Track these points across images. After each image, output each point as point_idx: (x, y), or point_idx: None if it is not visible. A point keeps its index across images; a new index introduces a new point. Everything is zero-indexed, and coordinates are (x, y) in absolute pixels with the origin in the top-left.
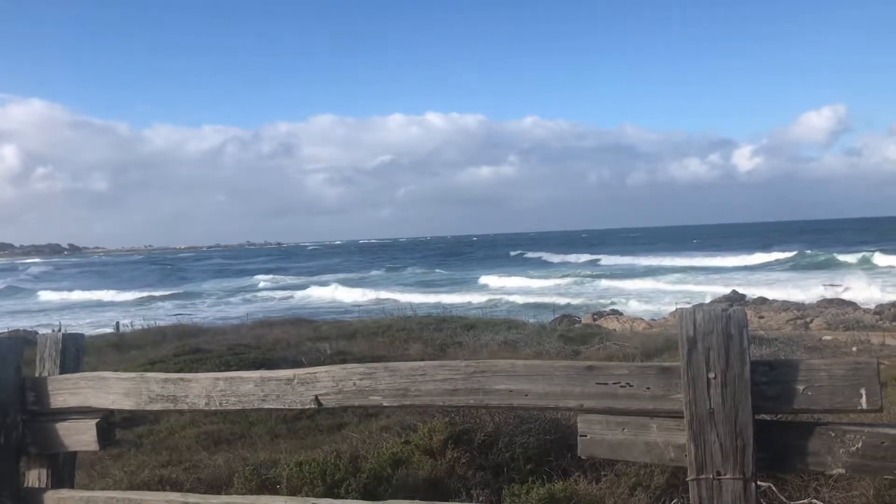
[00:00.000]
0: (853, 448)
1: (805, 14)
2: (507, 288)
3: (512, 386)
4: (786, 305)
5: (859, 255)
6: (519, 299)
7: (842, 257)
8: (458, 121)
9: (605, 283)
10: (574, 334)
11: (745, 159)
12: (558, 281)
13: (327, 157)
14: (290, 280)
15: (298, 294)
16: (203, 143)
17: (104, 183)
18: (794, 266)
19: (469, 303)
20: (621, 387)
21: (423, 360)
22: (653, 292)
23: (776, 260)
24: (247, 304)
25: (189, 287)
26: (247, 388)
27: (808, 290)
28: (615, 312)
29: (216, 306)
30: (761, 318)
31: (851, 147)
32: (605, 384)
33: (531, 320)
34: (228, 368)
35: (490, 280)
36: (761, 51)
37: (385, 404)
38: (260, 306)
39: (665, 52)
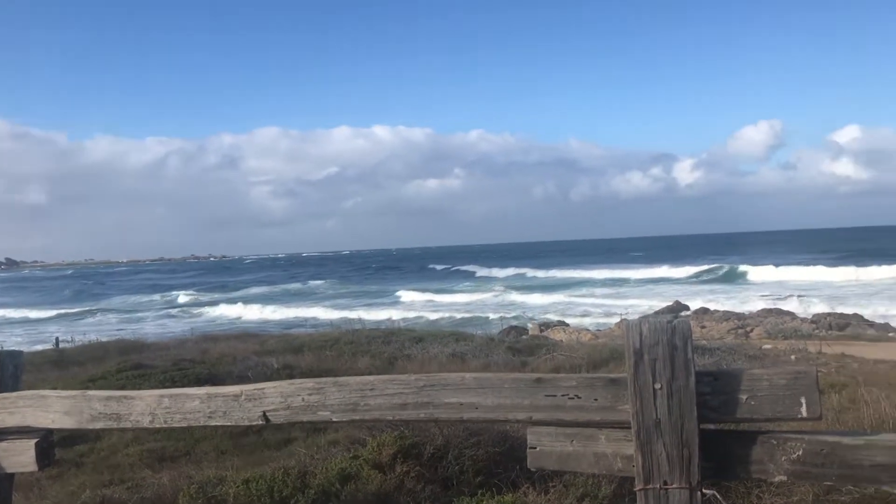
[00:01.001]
0: (794, 455)
1: (742, 30)
2: (418, 303)
3: (462, 399)
4: (727, 315)
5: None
6: (432, 315)
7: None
8: (404, 134)
9: (515, 295)
10: (521, 345)
11: (685, 173)
12: (481, 296)
13: (272, 170)
14: (207, 297)
15: (210, 311)
16: (146, 155)
17: (43, 195)
18: (715, 279)
19: (389, 318)
20: (570, 399)
21: (371, 373)
22: (568, 305)
23: (704, 271)
24: (140, 322)
25: (93, 304)
26: (192, 405)
27: (747, 301)
28: (562, 324)
29: (156, 321)
30: (703, 327)
31: (787, 161)
32: (554, 396)
33: (479, 332)
34: (173, 384)
35: (408, 295)
36: (701, 65)
37: (334, 420)
38: (154, 326)
39: (609, 67)
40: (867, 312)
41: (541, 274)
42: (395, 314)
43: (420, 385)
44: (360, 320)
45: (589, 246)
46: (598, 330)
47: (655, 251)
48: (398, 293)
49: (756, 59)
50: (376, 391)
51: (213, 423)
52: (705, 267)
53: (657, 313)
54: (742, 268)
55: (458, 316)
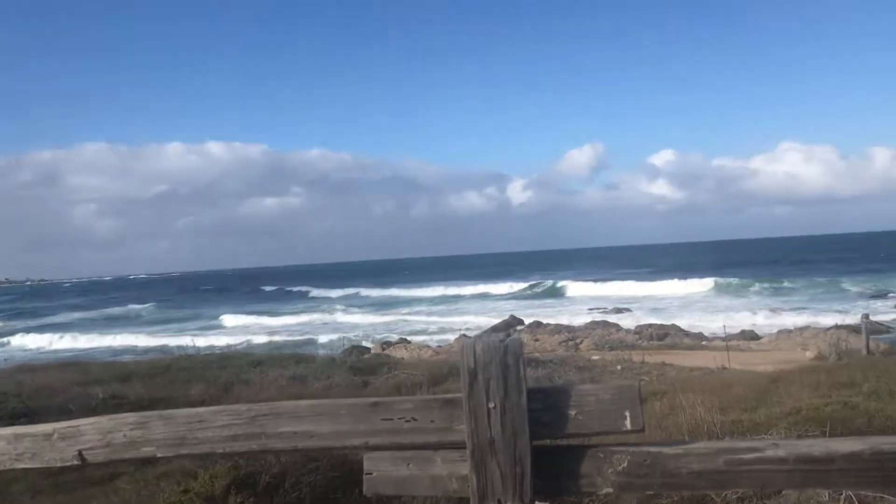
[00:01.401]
0: (620, 467)
1: (568, 54)
2: (243, 327)
3: (296, 428)
4: (558, 328)
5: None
6: (257, 339)
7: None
8: (241, 151)
9: (346, 315)
10: (363, 365)
11: (518, 192)
12: (310, 317)
13: (98, 187)
14: (9, 325)
15: (12, 341)
16: None
17: None
18: (545, 293)
19: (210, 346)
20: (406, 421)
21: (205, 401)
22: (399, 322)
23: (534, 285)
24: None
25: None
26: None
27: (577, 314)
28: (403, 341)
29: None
30: (537, 340)
31: (610, 182)
32: (391, 420)
33: (320, 353)
34: None
35: (233, 319)
36: (531, 88)
37: (160, 455)
38: None
39: (444, 88)
40: (684, 323)
41: (375, 293)
42: (217, 340)
43: (252, 415)
44: (192, 346)
45: (429, 263)
46: (439, 346)
47: (491, 268)
48: (222, 317)
49: (581, 83)
50: (205, 423)
51: (20, 465)
52: (536, 282)
53: (493, 328)
54: (567, 283)
55: (283, 339)
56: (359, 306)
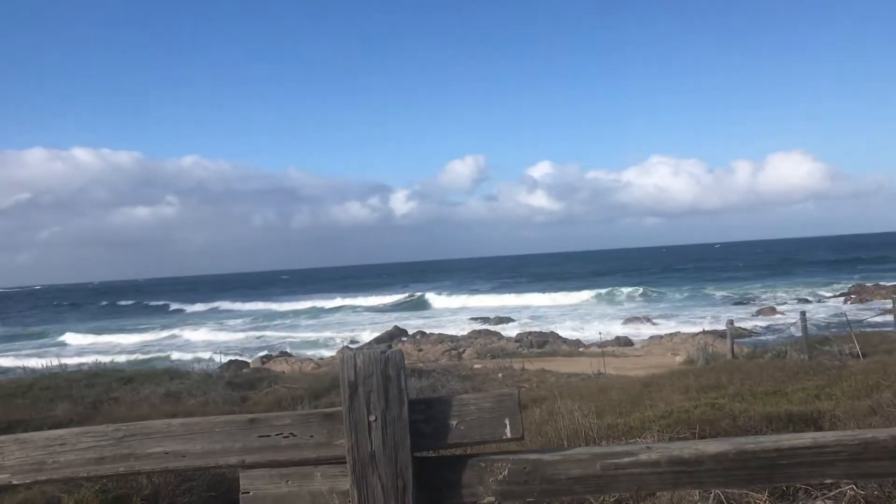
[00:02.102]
0: (500, 476)
1: (447, 67)
2: (84, 347)
3: (168, 448)
4: (441, 338)
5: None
6: (102, 358)
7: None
8: (110, 158)
9: (191, 332)
10: (241, 380)
11: (400, 203)
12: (159, 334)
13: None
14: None
15: None
16: None
17: None
18: (423, 303)
19: (45, 366)
20: (284, 437)
21: (72, 420)
22: (263, 337)
23: (408, 297)
24: None
25: None
26: None
27: (460, 324)
28: (284, 354)
29: None
30: (420, 350)
31: (490, 193)
32: (269, 436)
33: (196, 367)
34: None
35: (76, 337)
36: (412, 99)
37: (15, 482)
38: None
39: (324, 98)
40: (562, 330)
41: (240, 306)
42: (53, 361)
43: (119, 436)
44: (14, 369)
45: (309, 275)
46: (321, 359)
47: (372, 279)
48: (64, 335)
49: (459, 95)
50: (67, 446)
51: None
52: (414, 293)
53: (376, 339)
54: (443, 295)
55: (126, 359)
56: (219, 320)
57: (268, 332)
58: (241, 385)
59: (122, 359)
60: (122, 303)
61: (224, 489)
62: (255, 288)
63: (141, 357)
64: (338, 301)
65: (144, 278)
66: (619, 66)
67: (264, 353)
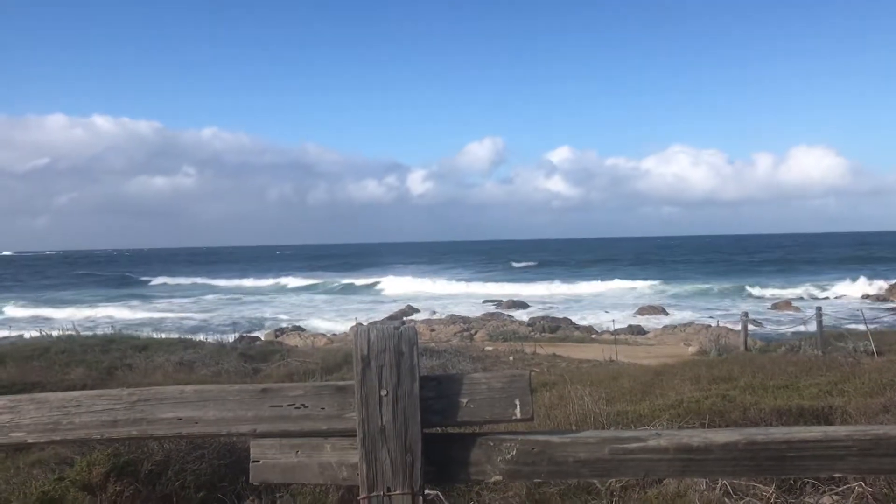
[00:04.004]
0: (509, 456)
1: (468, 49)
2: (21, 319)
3: (180, 414)
4: (454, 319)
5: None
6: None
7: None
8: (129, 126)
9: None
10: (254, 352)
11: (417, 183)
12: (92, 310)
13: None
14: None
15: None
16: None
17: None
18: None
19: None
20: (296, 408)
21: (86, 385)
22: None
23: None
24: None
25: None
26: None
27: (473, 306)
28: (297, 329)
29: None
30: (432, 330)
31: (506, 176)
32: (280, 406)
33: (210, 339)
34: None
35: (13, 310)
36: (432, 79)
37: (31, 441)
38: None
39: (349, 77)
40: (575, 316)
41: (222, 283)
42: None
43: (133, 400)
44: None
45: (325, 250)
46: (334, 335)
47: (382, 257)
48: (6, 306)
49: (480, 77)
50: (82, 408)
51: None
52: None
53: (389, 317)
54: (461, 276)
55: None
56: (200, 293)
57: (224, 311)
58: (253, 357)
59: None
60: (101, 273)
61: (235, 458)
62: (256, 262)
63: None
64: (344, 280)
65: (157, 247)
66: (645, 53)
67: (278, 326)
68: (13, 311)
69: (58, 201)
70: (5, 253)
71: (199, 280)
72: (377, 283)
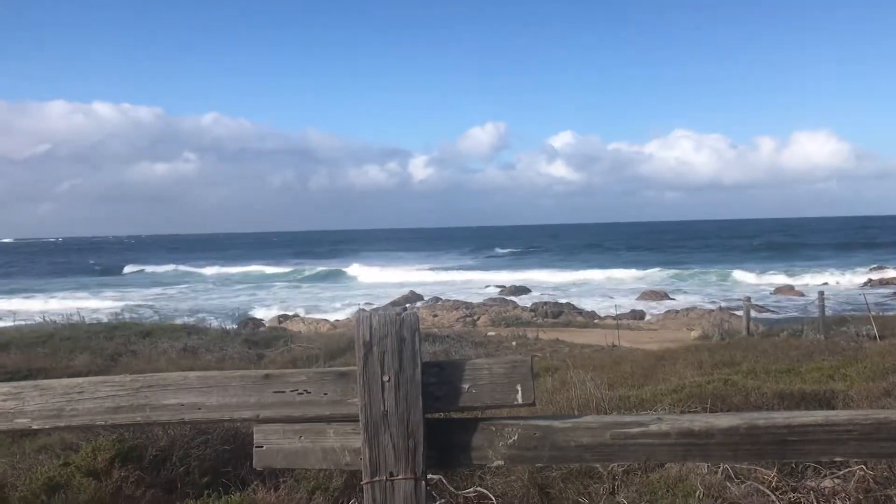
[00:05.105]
0: (511, 441)
1: (470, 32)
2: None
3: (183, 400)
4: (457, 304)
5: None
6: None
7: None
8: (130, 112)
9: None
10: (258, 338)
11: (419, 168)
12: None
13: None
14: None
15: None
16: None
17: None
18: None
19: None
20: (299, 394)
21: (91, 372)
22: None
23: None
24: None
25: None
26: None
27: (476, 292)
28: (302, 314)
29: None
30: (436, 316)
31: (509, 161)
32: (283, 392)
33: (213, 324)
34: None
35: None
36: (430, 63)
37: (35, 427)
38: None
39: (348, 62)
40: (577, 301)
41: (207, 271)
42: None
43: (136, 386)
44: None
45: (329, 237)
46: (337, 320)
47: (383, 243)
48: None
49: (483, 62)
50: (86, 394)
51: None
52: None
53: (392, 303)
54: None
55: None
56: (186, 282)
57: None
58: (257, 343)
59: None
60: (78, 260)
61: (238, 443)
62: (268, 247)
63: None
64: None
65: (159, 234)
66: (647, 37)
67: (284, 312)
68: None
69: (59, 188)
70: (5, 240)
71: (181, 268)
72: (377, 269)
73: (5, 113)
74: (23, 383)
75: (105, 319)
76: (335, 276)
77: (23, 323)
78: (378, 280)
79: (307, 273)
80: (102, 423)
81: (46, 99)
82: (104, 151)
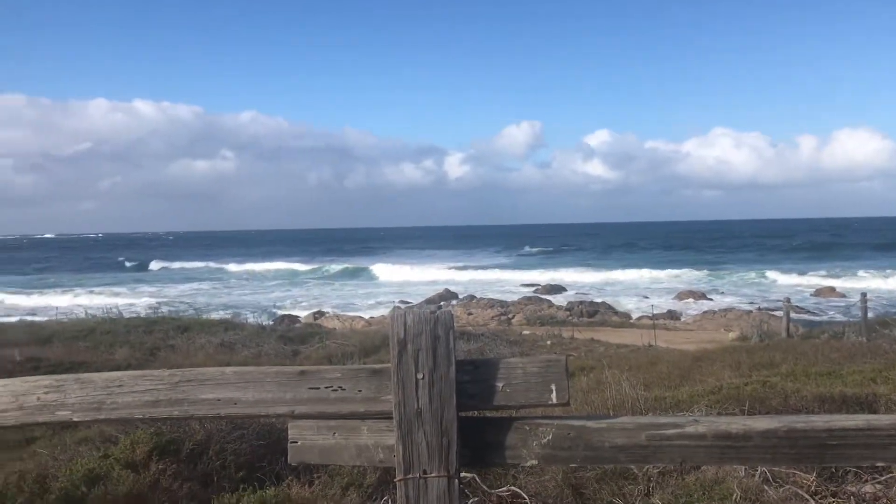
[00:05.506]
0: (545, 440)
1: (506, 30)
2: None
3: (220, 395)
4: (492, 303)
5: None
6: None
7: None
8: (169, 110)
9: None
10: (294, 334)
11: (454, 166)
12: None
13: (15, 141)
14: None
15: None
16: None
17: None
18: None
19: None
20: (333, 390)
21: (130, 365)
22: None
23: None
24: None
25: None
26: None
27: (510, 290)
28: (337, 311)
29: None
30: (470, 314)
31: (544, 160)
32: (318, 388)
33: (250, 320)
34: None
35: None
36: (469, 65)
37: (76, 419)
38: None
39: (385, 61)
40: (613, 301)
41: (239, 268)
42: None
43: (175, 381)
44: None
45: (364, 233)
46: (372, 317)
47: (418, 241)
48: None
49: (517, 61)
50: (125, 388)
51: None
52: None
53: (426, 300)
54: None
55: None
56: (183, 283)
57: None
58: (292, 339)
59: None
60: (109, 256)
61: (273, 439)
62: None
63: None
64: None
65: (196, 230)
66: (686, 35)
67: (318, 310)
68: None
69: (101, 185)
70: (47, 235)
71: (211, 264)
72: (404, 267)
73: (49, 111)
74: (64, 376)
75: (143, 314)
76: (358, 273)
77: (64, 317)
78: (405, 278)
79: (331, 271)
80: (141, 416)
81: (88, 97)
82: (144, 149)
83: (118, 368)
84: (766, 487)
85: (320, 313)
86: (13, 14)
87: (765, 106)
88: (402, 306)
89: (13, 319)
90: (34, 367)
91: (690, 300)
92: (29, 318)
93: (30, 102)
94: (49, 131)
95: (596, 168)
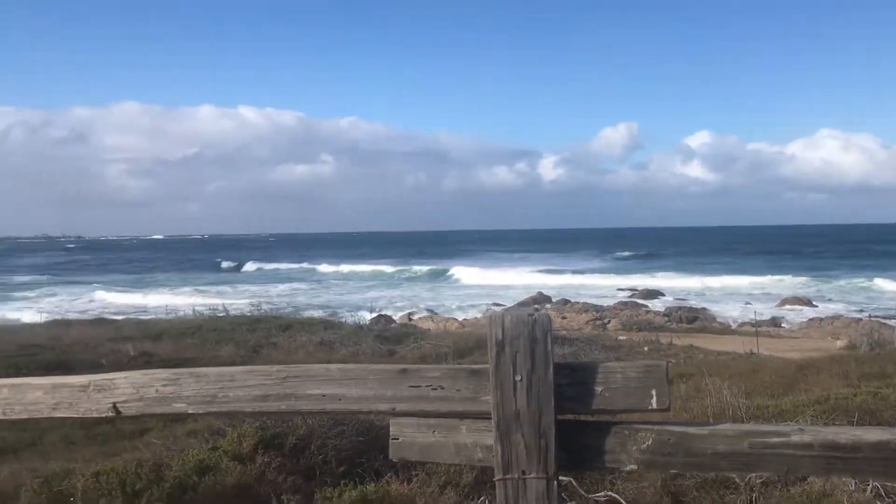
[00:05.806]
0: (644, 445)
1: (602, 32)
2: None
3: (325, 391)
4: (586, 307)
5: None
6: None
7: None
8: (273, 116)
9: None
10: (390, 334)
11: (549, 169)
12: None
13: (130, 147)
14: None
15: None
16: None
17: None
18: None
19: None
20: (433, 389)
21: (235, 362)
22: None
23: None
24: None
25: None
26: (35, 395)
27: (606, 295)
28: (431, 312)
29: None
30: (564, 318)
31: (642, 162)
32: (418, 387)
33: (349, 320)
34: (18, 372)
35: (103, 295)
36: (562, 64)
37: (190, 412)
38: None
39: (480, 63)
40: (714, 307)
41: (329, 269)
42: None
43: (282, 376)
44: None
45: (457, 236)
46: (465, 319)
47: (512, 244)
48: (95, 292)
49: (615, 61)
50: (236, 383)
51: (58, 414)
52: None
53: (520, 304)
54: (592, 265)
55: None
56: (276, 281)
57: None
58: (388, 339)
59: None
60: (207, 257)
61: (372, 435)
62: (383, 248)
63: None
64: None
65: (298, 232)
66: (792, 36)
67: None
68: (102, 295)
69: (207, 188)
70: (156, 236)
71: (305, 265)
72: (503, 271)
73: (160, 118)
74: (180, 370)
75: (248, 312)
76: (438, 275)
77: (173, 315)
78: (489, 282)
79: (411, 273)
80: (251, 410)
81: (196, 104)
82: (248, 154)
83: (224, 364)
84: (877, 502)
85: (414, 314)
86: (128, 27)
87: (875, 106)
88: (496, 308)
89: (122, 317)
90: (146, 361)
91: (795, 307)
92: (138, 315)
93: (143, 110)
94: (160, 137)
95: (695, 170)
